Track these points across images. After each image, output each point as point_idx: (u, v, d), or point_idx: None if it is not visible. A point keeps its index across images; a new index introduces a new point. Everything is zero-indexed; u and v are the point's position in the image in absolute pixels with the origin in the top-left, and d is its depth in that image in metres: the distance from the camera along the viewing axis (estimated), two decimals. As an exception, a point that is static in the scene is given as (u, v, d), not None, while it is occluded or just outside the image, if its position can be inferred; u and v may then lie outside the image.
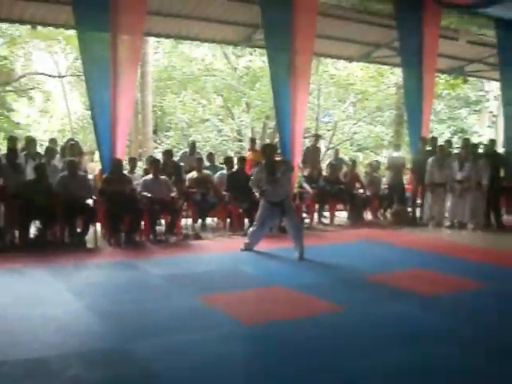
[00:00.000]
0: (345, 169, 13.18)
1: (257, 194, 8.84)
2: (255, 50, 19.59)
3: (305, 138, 16.96)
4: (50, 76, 24.27)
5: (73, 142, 10.92)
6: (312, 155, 12.57)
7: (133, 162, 10.83)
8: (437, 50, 13.35)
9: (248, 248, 8.70)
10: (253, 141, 14.15)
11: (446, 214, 12.22)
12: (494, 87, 22.30)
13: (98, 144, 9.87)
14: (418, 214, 12.65)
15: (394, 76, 21.28)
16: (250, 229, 8.90)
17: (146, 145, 18.70)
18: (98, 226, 9.40)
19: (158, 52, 22.90)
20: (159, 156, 11.73)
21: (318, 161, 12.99)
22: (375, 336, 4.79)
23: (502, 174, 12.26)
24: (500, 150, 14.39)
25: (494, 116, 24.89)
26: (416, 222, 12.42)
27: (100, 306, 5.51)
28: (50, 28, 14.72)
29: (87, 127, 22.80)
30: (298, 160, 11.83)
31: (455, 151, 13.10)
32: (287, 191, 8.51)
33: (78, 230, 8.97)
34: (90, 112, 11.01)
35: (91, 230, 9.03)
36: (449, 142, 13.20)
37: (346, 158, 15.45)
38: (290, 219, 8.38)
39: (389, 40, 14.15)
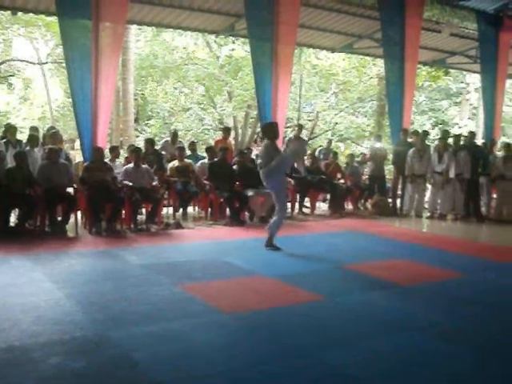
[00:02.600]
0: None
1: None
2: (238, 39, 19.54)
3: (287, 127, 17.00)
4: (30, 63, 24.06)
5: (54, 131, 10.83)
6: (295, 145, 12.58)
7: (115, 150, 10.77)
8: (419, 42, 13.45)
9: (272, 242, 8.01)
10: (226, 130, 13.96)
11: (426, 205, 12.35)
12: (474, 79, 22.46)
13: (79, 132, 9.83)
14: (398, 204, 12.74)
15: (376, 67, 21.35)
16: (276, 218, 7.97)
17: (127, 133, 18.58)
18: (79, 214, 9.36)
19: (140, 40, 22.76)
20: (141, 144, 11.69)
21: (301, 151, 12.97)
22: (354, 325, 4.85)
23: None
24: (480, 141, 14.54)
25: (474, 108, 25.12)
26: (396, 212, 12.53)
27: (81, 295, 5.51)
28: (31, 14, 14.54)
29: (68, 115, 22.67)
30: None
31: (436, 142, 13.22)
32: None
33: (59, 218, 8.93)
34: (70, 100, 10.93)
35: (72, 218, 9.01)
36: (425, 132, 13.28)
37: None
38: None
39: (371, 31, 14.19)
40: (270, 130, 8.04)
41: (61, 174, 9.02)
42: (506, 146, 12.69)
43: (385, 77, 14.04)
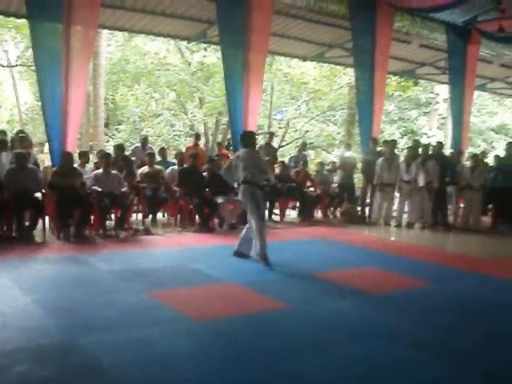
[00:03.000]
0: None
1: (232, 184, 8.56)
2: (210, 46, 19.54)
3: (257, 134, 17.02)
4: (-1, 65, 23.78)
5: (22, 135, 10.70)
6: (265, 152, 12.59)
7: (85, 155, 10.66)
8: (389, 52, 13.60)
9: (264, 253, 7.59)
10: (197, 136, 14.00)
11: (394, 214, 12.47)
12: (443, 90, 22.77)
13: (48, 136, 9.74)
14: (367, 212, 12.85)
15: (347, 76, 21.49)
16: (252, 229, 7.70)
17: (97, 138, 18.45)
18: (47, 219, 9.27)
19: (111, 44, 22.63)
20: (110, 150, 11.62)
21: (271, 158, 12.98)
22: (325, 333, 4.89)
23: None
24: (448, 151, 14.75)
25: (443, 118, 25.46)
26: (365, 220, 12.63)
27: (48, 301, 5.45)
28: (0, 16, 14.38)
29: (37, 118, 22.43)
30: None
31: (405, 152, 13.38)
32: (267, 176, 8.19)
33: (27, 223, 8.82)
34: (40, 103, 10.83)
35: (40, 223, 8.91)
36: (394, 142, 13.40)
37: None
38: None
39: (342, 40, 14.32)
40: (250, 138, 8.06)
41: (29, 178, 8.91)
42: (473, 156, 12.93)
43: (355, 86, 14.14)
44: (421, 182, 11.78)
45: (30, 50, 12.75)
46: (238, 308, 5.54)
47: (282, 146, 22.69)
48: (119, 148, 11.33)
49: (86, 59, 10.12)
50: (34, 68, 10.89)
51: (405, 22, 13.55)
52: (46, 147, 11.46)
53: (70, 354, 4.13)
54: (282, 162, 13.26)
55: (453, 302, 6.07)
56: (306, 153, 15.52)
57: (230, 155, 13.51)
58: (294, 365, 4.06)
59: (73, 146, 9.92)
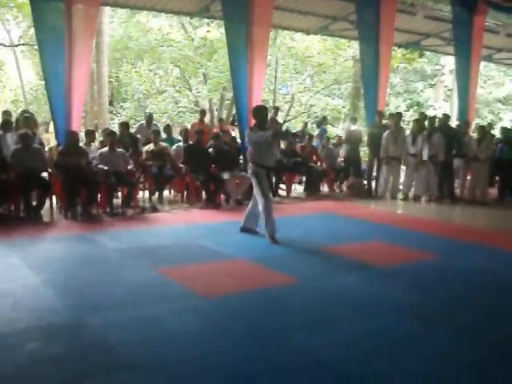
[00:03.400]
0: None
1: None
2: (213, 21, 19.40)
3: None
4: (1, 45, 23.62)
5: (27, 115, 10.69)
6: (271, 127, 12.53)
7: (91, 134, 10.63)
8: (394, 24, 13.47)
9: (273, 231, 7.50)
10: (202, 112, 13.98)
11: (401, 187, 12.46)
12: (449, 61, 22.58)
13: (53, 115, 9.74)
14: (373, 186, 12.83)
15: (351, 49, 21.35)
16: (260, 207, 7.53)
17: (101, 116, 18.42)
18: (54, 199, 9.29)
19: (114, 22, 22.50)
20: (115, 127, 11.61)
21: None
22: (328, 308, 4.91)
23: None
24: (454, 123, 14.66)
25: (449, 90, 25.27)
26: (371, 194, 12.63)
27: (57, 280, 5.50)
28: (2, -5, 14.34)
29: (41, 98, 22.37)
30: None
31: (411, 124, 13.32)
32: (276, 157, 7.71)
33: (34, 203, 8.85)
34: (43, 82, 10.80)
35: (47, 203, 8.93)
36: (399, 114, 13.33)
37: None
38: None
39: (346, 13, 14.16)
40: (262, 114, 7.71)
41: (34, 158, 8.91)
42: (480, 128, 12.84)
43: (360, 59, 14.04)
44: (425, 155, 11.74)
45: (32, 29, 12.66)
46: (245, 284, 5.57)
47: (288, 121, 22.61)
48: (124, 126, 11.32)
49: (89, 37, 10.10)
50: (36, 47, 10.86)
51: (409, -7, 13.43)
52: (51, 126, 11.42)
53: (79, 333, 4.18)
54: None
55: (460, 275, 6.08)
56: (325, 127, 15.49)
57: (230, 131, 13.53)
58: (302, 341, 4.08)
59: (78, 125, 9.93)
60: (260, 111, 7.75)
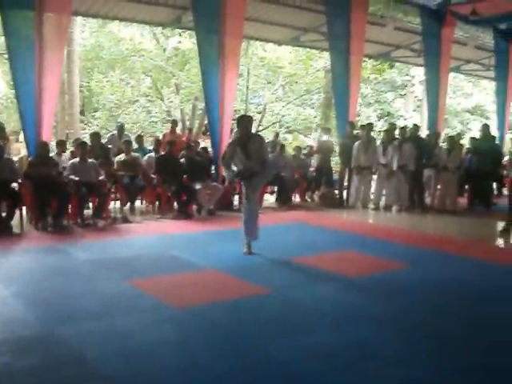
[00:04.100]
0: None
1: (226, 175, 7.83)
2: (185, 31, 19.41)
3: (234, 119, 16.98)
4: (-30, 53, 23.37)
5: (-3, 127, 10.58)
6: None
7: (62, 145, 10.56)
8: (364, 36, 13.59)
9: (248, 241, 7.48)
10: (174, 122, 14.01)
11: (372, 197, 12.55)
12: (419, 72, 22.85)
13: (23, 125, 9.66)
14: (344, 196, 12.90)
15: (323, 59, 21.51)
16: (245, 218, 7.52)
17: (72, 126, 18.30)
18: (24, 210, 9.18)
19: (85, 31, 22.37)
20: (87, 137, 11.54)
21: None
22: (300, 318, 4.92)
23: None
24: (424, 133, 14.83)
25: (419, 100, 25.57)
26: (343, 204, 12.69)
27: (28, 292, 5.43)
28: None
29: (11, 107, 22.09)
30: (226, 142, 11.84)
31: (381, 134, 13.45)
32: (259, 168, 7.46)
33: (3, 214, 8.74)
34: (13, 91, 10.69)
35: (17, 214, 8.82)
36: (370, 125, 13.46)
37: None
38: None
39: (317, 24, 14.29)
40: (246, 123, 7.38)
41: (4, 169, 8.80)
42: (450, 138, 13.03)
43: (331, 69, 14.16)
44: (395, 165, 11.86)
45: (3, 37, 12.54)
46: (219, 294, 5.55)
47: (260, 131, 22.67)
48: (95, 136, 11.26)
49: (60, 46, 10.03)
50: (6, 56, 10.74)
51: (379, 6, 13.58)
52: (22, 136, 11.32)
53: (52, 345, 4.13)
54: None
55: (434, 285, 6.10)
56: (279, 140, 15.62)
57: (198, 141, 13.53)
58: (279, 351, 4.09)
59: (48, 135, 9.85)
60: (244, 121, 7.50)
